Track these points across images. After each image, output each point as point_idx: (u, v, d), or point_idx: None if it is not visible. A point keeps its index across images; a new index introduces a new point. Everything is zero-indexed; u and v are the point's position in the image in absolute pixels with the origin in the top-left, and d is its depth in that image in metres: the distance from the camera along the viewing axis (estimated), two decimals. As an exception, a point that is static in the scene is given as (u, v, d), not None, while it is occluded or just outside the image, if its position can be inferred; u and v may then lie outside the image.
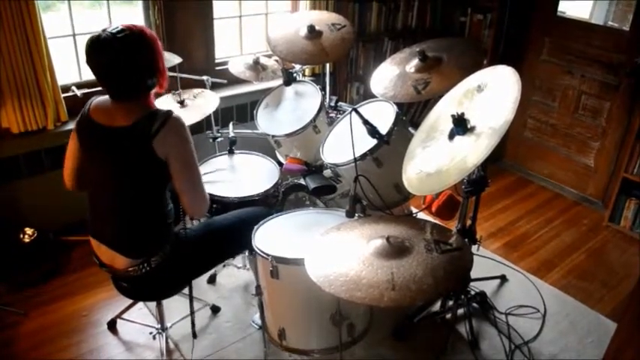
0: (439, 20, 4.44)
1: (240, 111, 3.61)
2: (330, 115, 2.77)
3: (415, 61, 2.41)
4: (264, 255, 1.94)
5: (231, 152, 2.77)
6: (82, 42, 1.77)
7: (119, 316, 2.57)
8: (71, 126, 1.91)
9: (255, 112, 2.83)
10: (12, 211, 2.93)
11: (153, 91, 1.85)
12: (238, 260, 2.87)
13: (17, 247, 2.86)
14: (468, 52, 2.43)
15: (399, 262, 1.63)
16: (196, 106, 2.77)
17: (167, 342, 2.44)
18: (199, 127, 3.22)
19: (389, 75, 2.46)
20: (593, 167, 3.83)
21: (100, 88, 1.80)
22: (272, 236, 2.08)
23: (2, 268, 2.82)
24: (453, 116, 1.81)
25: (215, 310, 2.65)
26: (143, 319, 2.57)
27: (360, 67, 4.19)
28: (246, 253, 2.75)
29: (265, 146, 2.87)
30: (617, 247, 3.38)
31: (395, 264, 1.62)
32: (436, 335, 2.53)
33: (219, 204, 2.40)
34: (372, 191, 2.10)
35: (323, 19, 2.81)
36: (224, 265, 2.88)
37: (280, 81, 2.84)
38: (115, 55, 1.71)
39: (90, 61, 1.75)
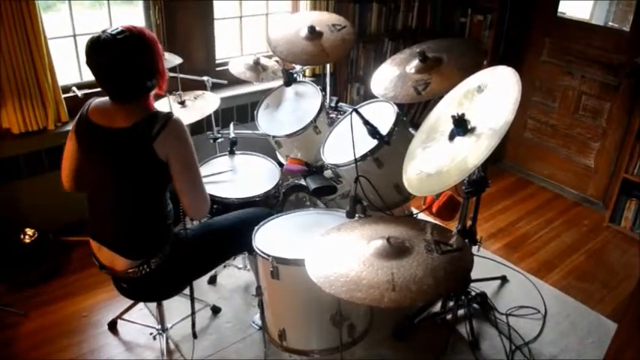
0: (439, 21, 4.44)
1: (241, 111, 3.61)
2: (331, 115, 2.77)
3: (415, 62, 2.41)
4: (265, 255, 1.94)
5: (231, 153, 2.77)
6: (83, 42, 1.77)
7: (119, 316, 2.57)
8: (71, 127, 1.91)
9: (255, 112, 2.83)
10: (12, 212, 2.94)
11: (152, 93, 1.86)
12: (239, 261, 2.87)
13: (17, 247, 2.86)
14: (468, 53, 2.43)
15: (399, 263, 1.63)
16: (197, 106, 2.77)
17: (167, 342, 2.44)
18: (200, 127, 3.23)
19: (389, 76, 2.46)
20: (594, 168, 3.83)
21: (100, 89, 1.80)
22: (272, 237, 2.08)
23: (2, 268, 2.82)
24: (453, 117, 1.81)
25: (215, 310, 2.65)
26: (143, 319, 2.57)
27: (361, 68, 4.19)
28: (246, 254, 2.77)
29: (266, 147, 2.87)
30: (617, 247, 3.38)
31: (395, 264, 1.62)
32: (436, 336, 2.53)
33: (220, 205, 2.40)
34: (372, 192, 2.10)
35: (323, 19, 2.82)
36: (224, 266, 2.88)
37: (281, 81, 2.84)
38: (115, 57, 1.71)
39: (90, 62, 1.75)
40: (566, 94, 3.86)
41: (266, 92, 2.94)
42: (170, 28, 3.26)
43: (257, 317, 2.54)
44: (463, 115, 1.81)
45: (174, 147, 1.79)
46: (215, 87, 3.07)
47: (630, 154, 3.36)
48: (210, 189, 2.41)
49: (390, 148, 2.19)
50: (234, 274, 2.90)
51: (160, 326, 2.39)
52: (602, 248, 3.36)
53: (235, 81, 3.16)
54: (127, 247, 1.90)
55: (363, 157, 2.18)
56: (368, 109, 2.43)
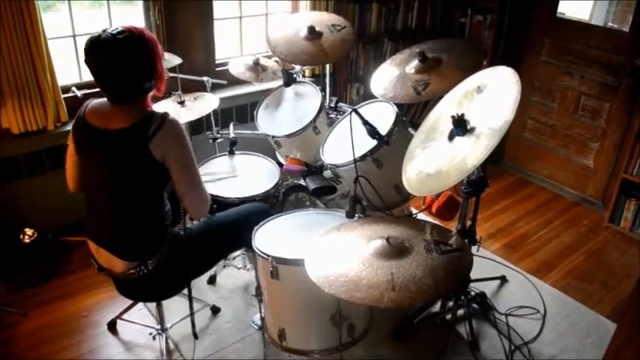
0: (439, 21, 4.44)
1: (240, 112, 3.61)
2: (330, 115, 2.77)
3: (415, 62, 2.41)
4: (265, 255, 1.94)
5: (231, 153, 2.78)
6: (82, 42, 1.77)
7: (119, 316, 2.57)
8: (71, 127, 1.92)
9: (255, 112, 2.84)
10: (12, 212, 2.93)
11: (150, 94, 1.85)
12: (238, 261, 2.87)
13: (17, 247, 2.86)
14: (468, 53, 2.44)
15: (398, 263, 1.63)
16: (196, 107, 2.77)
17: (167, 342, 2.44)
18: (199, 127, 3.23)
19: (389, 76, 2.46)
20: (593, 168, 3.83)
21: (99, 89, 1.79)
22: (272, 237, 2.08)
23: (2, 268, 2.82)
24: (452, 117, 1.81)
25: (215, 310, 2.65)
26: (143, 319, 2.57)
27: (360, 68, 4.19)
28: (246, 254, 2.77)
29: (265, 147, 2.87)
30: (617, 247, 3.39)
31: (395, 264, 1.62)
32: (436, 336, 2.53)
33: (220, 204, 2.40)
34: (372, 192, 2.11)
35: (323, 19, 2.82)
36: (224, 266, 2.88)
37: (280, 82, 2.84)
38: (115, 57, 1.71)
39: (89, 62, 1.75)
40: (565, 95, 3.86)
41: (266, 92, 2.94)
42: (170, 28, 3.26)
43: (256, 317, 2.54)
44: (463, 115, 1.81)
45: (170, 148, 1.79)
46: (215, 87, 3.07)
47: (630, 154, 3.36)
48: (210, 188, 2.41)
49: (390, 148, 2.19)
50: (233, 274, 2.90)
51: (159, 326, 2.39)
52: (601, 248, 3.37)
53: (235, 81, 3.16)
54: (125, 248, 1.90)
55: (363, 157, 2.18)
56: (367, 110, 2.43)
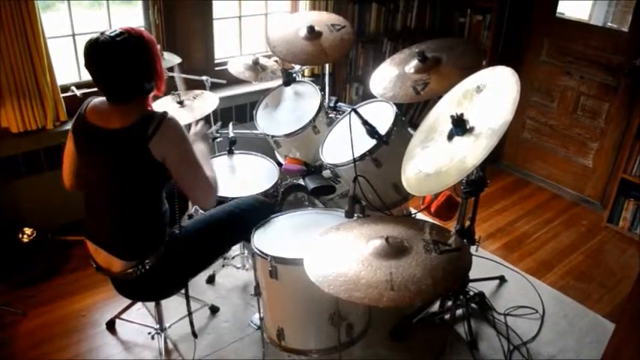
0: (438, 21, 4.45)
1: (240, 111, 3.61)
2: (330, 115, 2.77)
3: (414, 62, 2.42)
4: (263, 255, 1.94)
5: (230, 152, 2.77)
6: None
7: (118, 316, 2.57)
8: (70, 126, 1.92)
9: (254, 112, 2.84)
10: (11, 211, 2.93)
11: (151, 95, 1.85)
12: (237, 260, 2.87)
13: (16, 246, 2.86)
14: (467, 53, 2.44)
15: (397, 263, 1.63)
16: (196, 106, 2.77)
17: (166, 342, 2.44)
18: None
19: (388, 75, 2.46)
20: (592, 168, 3.83)
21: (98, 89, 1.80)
22: (271, 236, 2.08)
23: (1, 267, 2.82)
24: (452, 117, 1.82)
25: (214, 310, 2.65)
26: (142, 319, 2.57)
27: (360, 68, 4.19)
28: (245, 253, 2.77)
29: (264, 146, 2.87)
30: (615, 247, 3.39)
31: (394, 264, 1.62)
32: (435, 336, 2.53)
33: (219, 204, 2.39)
34: (371, 191, 2.11)
35: (322, 19, 2.82)
36: (223, 265, 2.89)
37: (280, 81, 2.84)
38: (114, 59, 1.71)
39: (88, 65, 1.74)
40: (564, 95, 3.86)
41: (265, 92, 2.94)
42: (169, 27, 3.26)
43: (255, 317, 2.54)
44: (462, 115, 1.82)
45: (172, 147, 1.79)
46: (214, 86, 3.07)
47: (629, 154, 3.36)
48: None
49: (389, 147, 2.20)
50: (232, 273, 2.90)
51: (158, 326, 2.40)
52: (600, 248, 3.37)
53: (234, 81, 3.16)
54: (123, 247, 1.90)
55: (362, 156, 2.18)
56: (367, 109, 2.43)
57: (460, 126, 1.82)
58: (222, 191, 2.41)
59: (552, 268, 3.14)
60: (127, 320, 2.55)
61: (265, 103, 2.88)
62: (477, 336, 2.55)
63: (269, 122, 2.76)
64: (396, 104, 2.37)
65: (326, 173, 2.65)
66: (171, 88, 2.78)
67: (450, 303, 2.57)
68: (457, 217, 2.35)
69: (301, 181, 2.60)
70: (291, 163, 2.61)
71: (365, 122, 2.17)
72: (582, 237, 3.47)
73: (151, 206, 1.90)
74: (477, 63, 2.35)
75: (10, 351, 2.42)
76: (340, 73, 4.07)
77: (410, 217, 2.65)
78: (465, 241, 2.31)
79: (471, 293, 2.68)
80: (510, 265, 3.10)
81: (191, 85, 2.94)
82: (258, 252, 1.97)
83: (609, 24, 3.73)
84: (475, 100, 1.91)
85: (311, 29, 2.69)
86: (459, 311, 2.61)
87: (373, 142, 2.19)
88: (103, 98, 1.83)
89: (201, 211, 2.49)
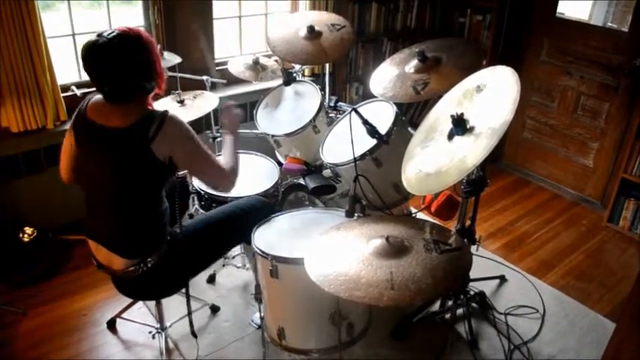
0: (438, 21, 4.45)
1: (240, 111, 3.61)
2: (330, 115, 2.78)
3: (414, 62, 2.42)
4: (264, 254, 1.94)
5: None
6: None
7: (118, 315, 2.57)
8: (70, 123, 1.92)
9: (254, 112, 2.84)
10: (11, 210, 2.94)
11: (151, 94, 1.85)
12: (238, 260, 2.87)
13: (16, 246, 2.86)
14: (467, 53, 2.44)
15: (398, 262, 1.63)
16: (196, 106, 2.77)
17: (166, 341, 2.44)
18: (199, 127, 3.22)
19: (388, 75, 2.46)
20: (592, 168, 3.84)
21: (98, 89, 1.80)
22: (272, 236, 2.08)
23: (1, 267, 2.82)
24: (452, 116, 1.82)
25: (214, 309, 2.65)
26: (142, 318, 2.57)
27: (360, 68, 4.19)
28: (245, 253, 2.77)
29: (265, 146, 2.87)
30: (615, 247, 3.39)
31: (394, 264, 1.63)
32: (435, 335, 2.53)
33: (219, 204, 2.40)
34: (371, 191, 2.11)
35: (322, 19, 2.82)
36: (223, 265, 2.89)
37: (280, 81, 2.84)
38: (113, 61, 1.70)
39: (87, 67, 1.74)
40: (565, 94, 3.86)
41: (265, 92, 2.94)
42: (169, 27, 3.26)
43: (256, 316, 2.54)
44: (462, 114, 1.82)
45: (177, 146, 1.80)
46: (214, 86, 3.07)
47: (629, 154, 3.36)
48: (209, 188, 2.41)
49: (389, 147, 2.20)
50: (233, 273, 2.90)
51: (159, 325, 2.40)
52: (600, 248, 3.37)
53: (234, 80, 3.16)
54: (123, 245, 1.90)
55: (362, 156, 2.18)
56: (367, 109, 2.43)
57: (460, 126, 1.82)
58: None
59: (553, 267, 3.14)
60: (127, 319, 2.55)
61: (265, 103, 2.88)
62: (478, 335, 2.55)
63: (269, 122, 2.76)
64: (396, 104, 2.37)
65: (326, 173, 2.65)
66: (170, 88, 2.78)
67: (450, 302, 2.57)
68: (457, 217, 2.35)
69: (302, 181, 2.60)
70: (292, 163, 2.61)
71: (365, 122, 2.17)
72: (583, 237, 3.47)
73: (150, 204, 1.90)
74: (477, 63, 2.36)
75: (10, 350, 2.42)
76: (340, 73, 4.07)
77: (410, 216, 2.66)
78: (465, 240, 2.31)
79: (472, 293, 2.68)
80: (511, 264, 3.10)
81: (191, 86, 2.95)
82: (258, 251, 1.97)
83: (609, 24, 3.73)
84: (475, 99, 1.92)
85: (311, 29, 2.69)
86: (460, 311, 2.61)
87: (373, 141, 2.19)
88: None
89: (201, 210, 2.50)
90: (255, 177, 2.61)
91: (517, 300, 2.80)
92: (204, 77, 2.98)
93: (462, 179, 2.10)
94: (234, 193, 2.40)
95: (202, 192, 2.43)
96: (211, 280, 2.85)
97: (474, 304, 2.69)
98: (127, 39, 1.71)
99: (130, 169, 1.80)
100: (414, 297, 1.52)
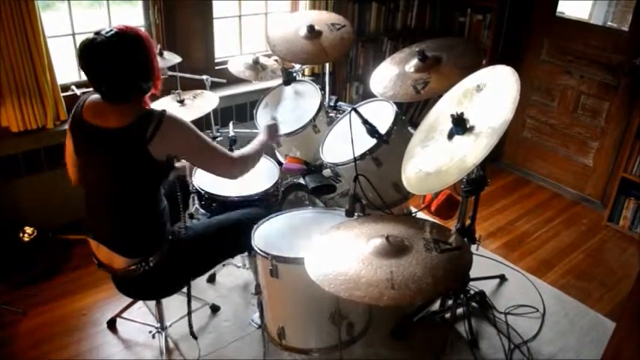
0: (438, 20, 4.45)
1: (240, 110, 3.61)
2: (330, 114, 2.77)
3: (414, 61, 2.42)
4: (264, 254, 1.94)
5: (231, 152, 2.77)
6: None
7: (119, 314, 2.57)
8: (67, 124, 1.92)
9: (254, 111, 2.84)
10: (11, 210, 2.94)
11: (148, 94, 1.85)
12: (238, 260, 2.87)
13: (17, 245, 2.86)
14: (468, 52, 2.44)
15: (398, 262, 1.63)
16: (196, 105, 2.77)
17: (167, 341, 2.44)
18: (199, 127, 3.22)
19: (388, 75, 2.46)
20: (592, 167, 3.84)
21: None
22: (272, 235, 2.08)
23: (2, 266, 2.82)
24: (452, 116, 1.81)
25: (214, 309, 2.65)
26: (143, 318, 2.57)
27: (360, 67, 4.19)
28: (246, 254, 2.77)
29: (265, 146, 2.86)
30: (616, 246, 3.39)
31: (394, 263, 1.62)
32: (435, 335, 2.53)
33: (219, 203, 2.40)
34: (371, 190, 2.11)
35: (322, 18, 2.81)
36: (223, 265, 2.89)
37: (280, 80, 2.84)
38: (110, 60, 1.69)
39: (84, 65, 1.73)
40: (565, 94, 3.86)
41: (265, 91, 2.94)
42: (169, 27, 3.26)
43: (256, 316, 2.54)
44: (462, 114, 1.81)
45: (178, 145, 1.80)
46: (214, 86, 3.07)
47: (629, 153, 3.36)
48: (210, 187, 2.41)
49: (389, 147, 2.20)
50: (233, 272, 2.90)
51: (159, 325, 2.40)
52: (600, 247, 3.37)
53: (234, 80, 3.16)
54: (124, 245, 1.90)
55: (362, 156, 2.18)
56: (367, 108, 2.43)
57: (460, 125, 1.81)
58: (223, 190, 2.42)
59: (553, 267, 3.14)
60: (127, 319, 2.55)
61: (265, 103, 2.88)
62: (478, 335, 2.55)
63: (269, 121, 2.76)
64: (396, 103, 2.36)
65: (326, 172, 2.65)
66: (170, 87, 2.78)
67: (450, 302, 2.57)
68: (457, 216, 2.35)
69: (302, 181, 2.60)
70: (292, 163, 2.61)
71: (365, 121, 2.17)
72: (583, 236, 3.47)
73: (148, 204, 1.90)
74: (477, 62, 2.35)
75: (10, 350, 2.42)
76: (340, 73, 4.07)
77: (410, 216, 2.65)
78: (465, 239, 2.31)
79: (472, 292, 2.68)
80: (511, 264, 3.10)
81: (191, 85, 2.94)
82: (258, 251, 1.97)
83: (609, 23, 3.73)
84: (475, 99, 1.91)
85: (311, 29, 2.69)
86: (460, 310, 2.61)
87: (373, 141, 2.19)
88: (99, 95, 1.82)
89: (201, 210, 2.49)
90: (255, 176, 2.60)
91: (517, 299, 2.80)
92: (204, 77, 2.97)
93: (462, 178, 2.10)
94: (234, 193, 2.41)
95: (202, 191, 2.43)
96: (211, 279, 2.85)
97: (474, 304, 2.69)
98: (125, 37, 1.70)
99: (127, 169, 1.79)
100: (414, 296, 1.52)
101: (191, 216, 2.57)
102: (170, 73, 2.91)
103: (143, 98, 1.84)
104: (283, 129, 2.62)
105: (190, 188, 2.49)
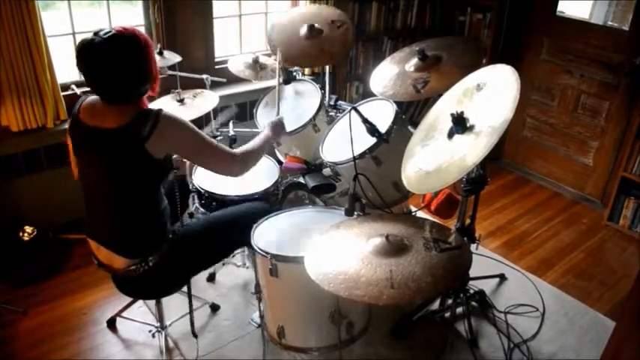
0: (438, 20, 4.44)
1: (240, 110, 3.61)
2: (330, 113, 2.77)
3: (414, 60, 2.42)
4: (264, 253, 1.94)
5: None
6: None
7: (119, 314, 2.57)
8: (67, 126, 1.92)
9: (254, 110, 2.83)
10: (11, 209, 2.94)
11: (145, 95, 1.85)
12: (237, 259, 2.87)
13: (17, 245, 2.86)
14: (468, 52, 2.44)
15: (398, 261, 1.63)
16: (196, 105, 2.77)
17: (166, 340, 2.44)
18: (199, 126, 3.22)
19: (388, 74, 2.46)
20: (592, 166, 3.84)
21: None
22: (271, 234, 2.08)
23: (2, 266, 2.82)
24: (452, 115, 1.81)
25: (214, 308, 2.66)
26: (143, 317, 2.57)
27: (360, 66, 4.19)
28: (245, 251, 2.77)
29: (268, 142, 2.86)
30: (615, 246, 3.39)
31: (394, 262, 1.62)
32: (435, 334, 2.54)
33: (219, 202, 2.40)
34: (371, 190, 2.11)
35: (322, 13, 2.80)
36: (223, 264, 2.89)
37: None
38: (108, 60, 1.69)
39: (81, 66, 1.73)
40: (565, 93, 3.86)
41: (265, 90, 2.93)
42: (169, 26, 3.26)
43: (256, 315, 2.54)
44: (462, 113, 1.81)
45: (176, 143, 1.80)
46: (214, 85, 3.07)
47: (629, 152, 3.36)
48: (210, 186, 2.42)
49: (389, 146, 2.20)
50: (232, 271, 2.90)
51: (159, 324, 2.40)
52: (600, 247, 3.37)
53: (234, 79, 3.16)
54: (124, 245, 1.90)
55: (362, 155, 2.18)
56: (367, 108, 2.43)
57: (460, 124, 1.81)
58: (223, 190, 2.42)
59: (553, 266, 3.14)
60: (127, 318, 2.55)
61: (265, 102, 2.88)
62: (478, 334, 2.55)
63: (269, 120, 2.75)
64: (396, 102, 2.36)
65: (326, 171, 2.64)
66: (170, 87, 2.78)
67: (450, 301, 2.57)
68: (457, 215, 2.36)
69: (301, 180, 2.60)
70: (292, 162, 2.61)
71: (365, 120, 2.17)
72: (583, 235, 3.47)
73: (149, 204, 1.90)
74: (477, 61, 2.35)
75: (10, 349, 2.42)
76: (340, 72, 4.06)
77: (410, 215, 2.66)
78: (465, 239, 2.31)
79: (472, 291, 2.68)
80: (511, 263, 3.10)
81: (191, 84, 2.94)
82: (258, 250, 1.97)
83: (610, 23, 3.73)
84: (475, 98, 1.91)
85: (311, 28, 2.69)
86: (460, 309, 2.62)
87: (373, 140, 2.19)
88: (97, 97, 1.82)
89: (201, 209, 2.49)
90: (255, 175, 2.60)
91: (517, 298, 2.80)
92: (204, 76, 2.97)
93: (462, 178, 2.10)
94: (234, 192, 2.41)
95: (202, 190, 2.43)
96: (211, 278, 2.85)
97: (473, 303, 2.69)
98: (122, 39, 1.70)
99: (126, 169, 1.79)
100: (414, 296, 1.52)
101: (191, 215, 2.57)
102: (170, 72, 2.91)
103: (141, 99, 1.83)
104: (284, 128, 2.62)
105: (190, 187, 2.50)
